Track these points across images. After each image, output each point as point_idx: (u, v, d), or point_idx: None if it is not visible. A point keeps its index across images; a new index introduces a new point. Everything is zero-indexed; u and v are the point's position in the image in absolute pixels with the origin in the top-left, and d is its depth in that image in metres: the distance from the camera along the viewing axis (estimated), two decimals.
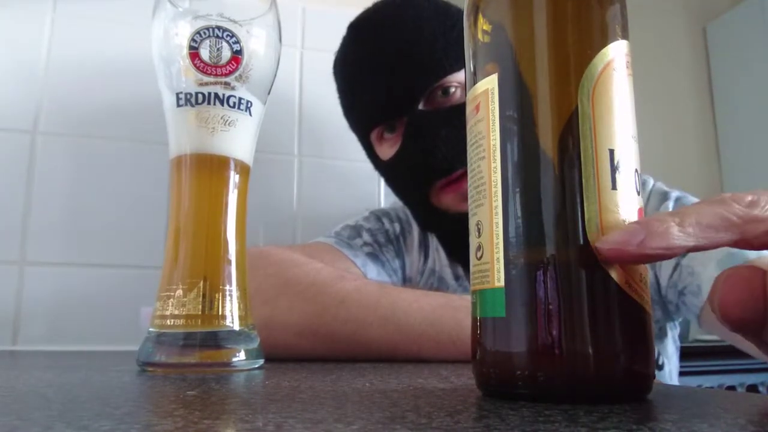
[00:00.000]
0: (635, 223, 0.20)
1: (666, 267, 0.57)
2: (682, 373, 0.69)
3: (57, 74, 0.77)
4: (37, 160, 0.74)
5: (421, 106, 0.61)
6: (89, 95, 0.78)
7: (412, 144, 0.61)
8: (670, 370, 0.65)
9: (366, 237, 0.70)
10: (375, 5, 0.67)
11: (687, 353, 0.69)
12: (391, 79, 0.61)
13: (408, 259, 0.72)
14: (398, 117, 0.62)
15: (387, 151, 0.65)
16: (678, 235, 0.19)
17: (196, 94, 0.38)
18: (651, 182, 0.65)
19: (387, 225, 0.72)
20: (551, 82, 0.22)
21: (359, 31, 0.67)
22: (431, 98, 0.61)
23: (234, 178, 0.39)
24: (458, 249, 0.66)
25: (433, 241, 0.71)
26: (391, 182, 0.69)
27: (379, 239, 0.70)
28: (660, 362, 0.63)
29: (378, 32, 0.64)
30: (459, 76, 0.61)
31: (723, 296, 0.20)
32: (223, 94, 0.38)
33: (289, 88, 0.86)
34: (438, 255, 0.70)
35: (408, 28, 0.62)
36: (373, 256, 0.68)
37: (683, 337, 0.69)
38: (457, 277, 0.68)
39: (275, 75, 0.42)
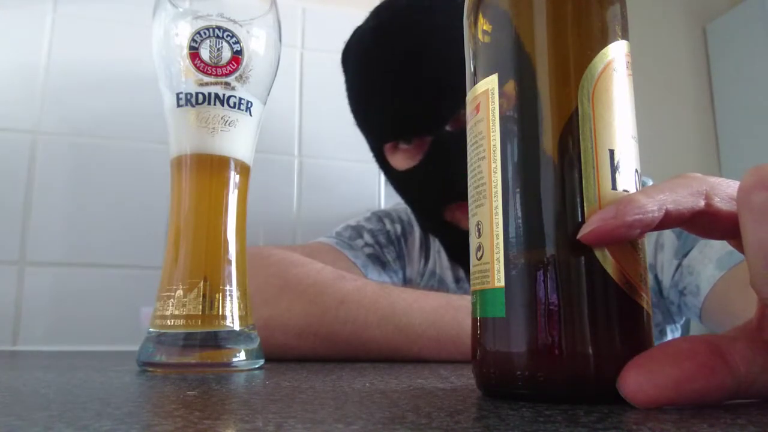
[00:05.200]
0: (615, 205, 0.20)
1: (668, 268, 0.57)
2: None
3: (57, 74, 0.77)
4: (38, 160, 0.75)
5: (447, 127, 0.58)
6: (90, 95, 0.78)
7: (435, 164, 0.58)
8: None
9: (367, 238, 0.70)
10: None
11: None
12: (426, 95, 0.57)
13: (409, 260, 0.72)
14: (422, 136, 0.59)
15: (402, 162, 0.62)
16: (646, 200, 0.20)
17: (197, 94, 0.38)
18: (650, 183, 0.64)
19: (388, 226, 0.72)
20: (551, 83, 0.22)
21: (392, 28, 0.60)
22: (457, 117, 0.58)
23: (234, 178, 0.39)
24: (459, 251, 0.65)
25: (435, 243, 0.71)
26: (401, 191, 0.66)
27: (380, 240, 0.70)
28: None
29: (415, 35, 0.58)
30: None
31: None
32: (223, 95, 0.38)
33: (289, 88, 0.87)
34: (439, 257, 0.70)
35: (450, 37, 0.52)
36: (374, 257, 0.68)
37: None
38: (457, 280, 0.68)
39: (275, 75, 0.42)
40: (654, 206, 0.19)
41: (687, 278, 0.55)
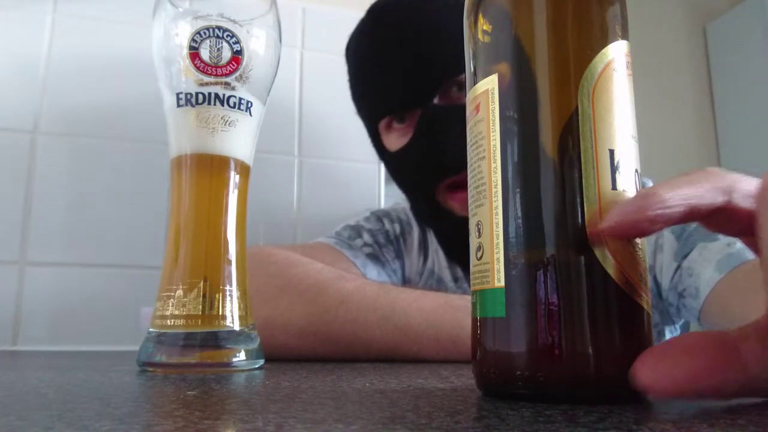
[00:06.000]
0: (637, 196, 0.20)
1: (667, 270, 0.57)
2: None
3: (57, 74, 0.77)
4: (37, 160, 0.75)
5: (436, 100, 0.60)
6: (89, 95, 0.78)
7: (424, 138, 0.60)
8: None
9: (366, 237, 0.70)
10: None
11: None
12: (410, 69, 0.60)
13: (408, 260, 0.72)
14: (412, 108, 0.61)
15: (395, 141, 0.64)
16: (669, 195, 0.19)
17: (197, 94, 0.38)
18: (650, 184, 0.64)
19: (387, 226, 0.72)
20: (551, 82, 0.22)
21: (382, 15, 0.65)
22: (446, 93, 0.61)
23: (234, 178, 0.39)
24: (457, 248, 0.66)
25: (433, 243, 0.71)
26: (396, 174, 0.68)
27: (379, 240, 0.70)
28: None
29: (402, 18, 0.63)
30: None
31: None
32: (224, 95, 0.38)
33: (289, 88, 0.87)
34: (437, 256, 0.70)
35: (434, 18, 0.60)
36: (373, 257, 0.68)
37: None
38: (456, 279, 0.68)
39: (275, 75, 0.42)
40: (676, 201, 0.19)
41: (686, 280, 0.55)
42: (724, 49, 2.05)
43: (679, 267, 0.56)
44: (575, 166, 0.21)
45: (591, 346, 0.20)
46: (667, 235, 0.58)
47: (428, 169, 0.61)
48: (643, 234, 0.20)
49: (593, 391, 0.20)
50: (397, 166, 0.66)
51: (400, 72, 0.61)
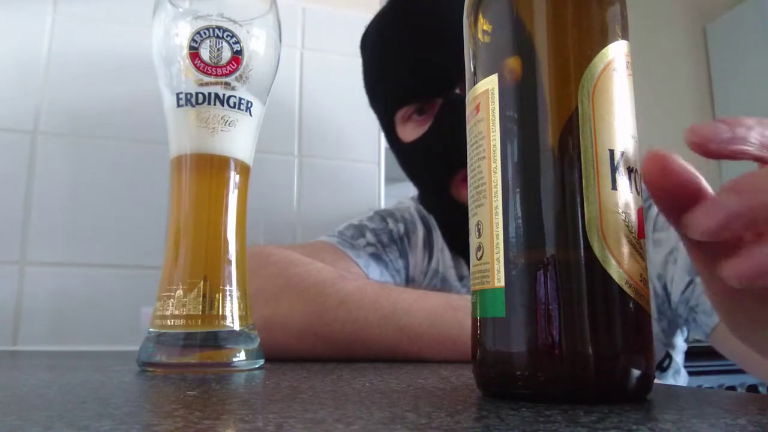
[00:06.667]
0: (722, 122, 0.21)
1: (679, 282, 0.58)
2: None
3: (57, 74, 0.77)
4: (37, 160, 0.74)
5: (457, 91, 0.61)
6: (89, 95, 0.78)
7: (444, 127, 0.60)
8: (676, 369, 0.65)
9: (369, 237, 0.69)
10: None
11: (687, 353, 0.69)
12: (434, 56, 0.60)
13: (412, 259, 0.71)
14: (434, 97, 0.61)
15: (411, 132, 0.64)
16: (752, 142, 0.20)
17: (197, 94, 0.38)
18: None
19: (391, 225, 0.72)
20: (551, 83, 0.22)
21: (407, 2, 0.65)
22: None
23: (234, 178, 0.39)
24: (460, 241, 0.65)
25: (438, 242, 0.70)
26: (409, 164, 0.68)
27: (382, 239, 0.70)
28: (665, 364, 0.63)
29: (427, 6, 0.63)
30: None
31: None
32: (224, 95, 0.38)
33: (289, 88, 0.87)
34: (442, 256, 0.70)
35: (459, 6, 0.60)
36: (376, 257, 0.68)
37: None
38: (461, 278, 0.68)
39: (275, 75, 0.42)
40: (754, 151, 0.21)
41: (701, 297, 0.55)
42: (724, 49, 2.05)
43: (692, 282, 0.57)
44: (575, 166, 0.21)
45: (591, 346, 0.20)
46: (683, 249, 0.58)
47: (446, 158, 0.61)
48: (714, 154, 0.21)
49: (593, 391, 0.20)
50: (412, 156, 0.66)
51: (424, 60, 0.61)
